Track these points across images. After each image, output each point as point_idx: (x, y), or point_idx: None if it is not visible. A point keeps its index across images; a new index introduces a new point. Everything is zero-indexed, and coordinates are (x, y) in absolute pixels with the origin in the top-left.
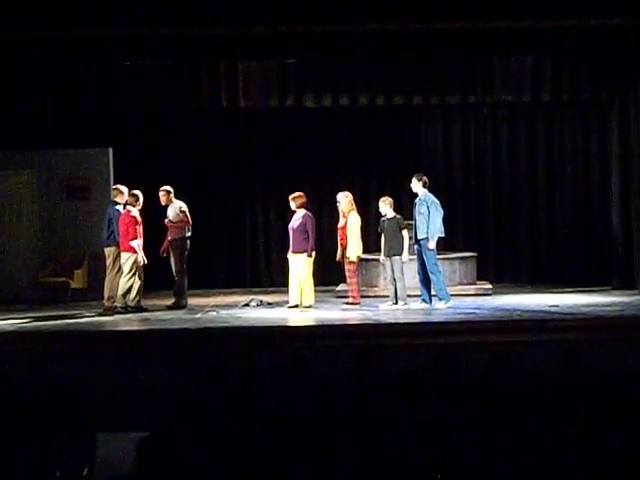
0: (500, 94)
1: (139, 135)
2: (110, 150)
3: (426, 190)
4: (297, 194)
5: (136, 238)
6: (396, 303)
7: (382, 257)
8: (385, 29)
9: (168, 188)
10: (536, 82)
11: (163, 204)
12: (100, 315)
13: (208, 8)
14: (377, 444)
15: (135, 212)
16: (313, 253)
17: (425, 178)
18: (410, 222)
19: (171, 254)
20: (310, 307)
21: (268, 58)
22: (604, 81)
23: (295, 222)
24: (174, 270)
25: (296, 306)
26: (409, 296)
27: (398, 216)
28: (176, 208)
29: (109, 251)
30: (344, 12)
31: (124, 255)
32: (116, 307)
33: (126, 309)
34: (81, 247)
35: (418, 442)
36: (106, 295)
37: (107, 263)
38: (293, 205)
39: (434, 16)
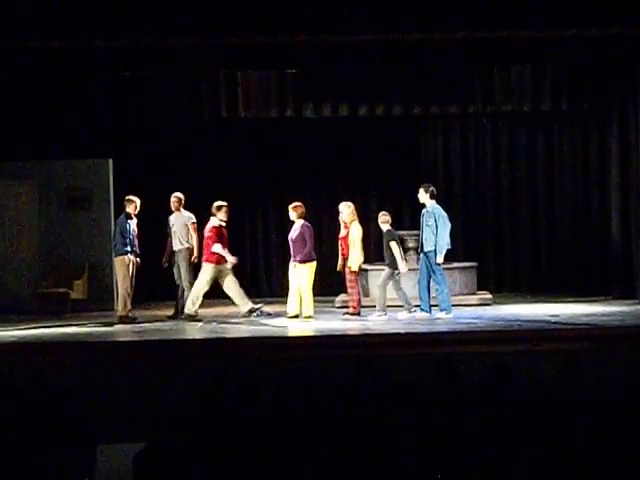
0: (499, 104)
1: (139, 146)
2: (110, 161)
3: (434, 201)
4: (297, 204)
5: (215, 245)
6: (385, 314)
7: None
8: (384, 39)
9: (180, 195)
10: (536, 91)
11: (173, 210)
12: (117, 324)
13: (207, 19)
14: (376, 454)
15: (215, 222)
16: (314, 262)
17: (432, 188)
18: (415, 232)
19: (176, 265)
20: (310, 317)
21: (268, 68)
22: (603, 90)
23: (294, 232)
24: (183, 282)
25: (296, 316)
26: (401, 306)
27: (390, 230)
28: (185, 219)
29: (116, 261)
30: (344, 22)
31: (204, 265)
32: (128, 316)
33: (194, 318)
34: (81, 258)
35: (417, 452)
36: (121, 305)
37: (117, 273)
38: (294, 215)
39: (433, 26)
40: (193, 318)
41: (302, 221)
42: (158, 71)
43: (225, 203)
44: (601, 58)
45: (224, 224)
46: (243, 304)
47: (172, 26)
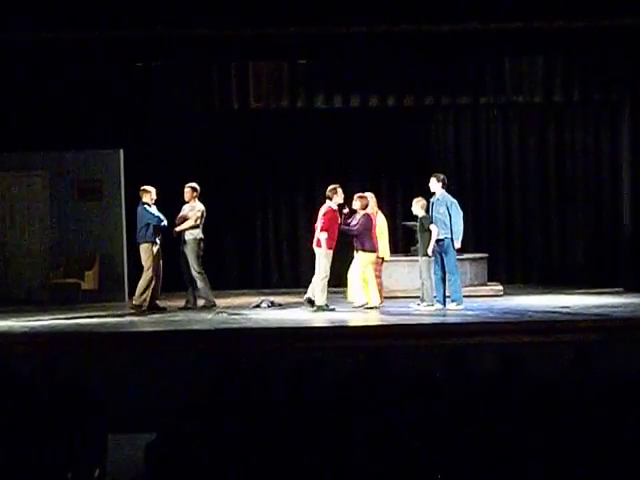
0: (511, 95)
1: (150, 136)
2: (121, 151)
3: (444, 190)
4: (362, 195)
5: (326, 231)
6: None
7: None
8: (396, 30)
9: (195, 185)
10: (547, 83)
11: (187, 200)
12: (131, 314)
13: (219, 9)
14: (387, 445)
15: (330, 205)
16: (375, 253)
17: (444, 178)
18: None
19: (182, 254)
20: (375, 307)
21: (279, 59)
22: (615, 82)
23: (356, 223)
24: (192, 272)
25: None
26: (413, 297)
27: (426, 216)
28: (194, 208)
29: (142, 248)
30: (355, 13)
31: (316, 251)
32: (142, 305)
33: (323, 307)
34: (92, 248)
35: (428, 442)
36: (137, 293)
37: (142, 261)
38: (357, 206)
39: (445, 17)
40: (325, 309)
41: (364, 212)
42: (169, 62)
43: (337, 185)
44: (613, 49)
45: (336, 207)
46: (320, 297)
47: (184, 16)
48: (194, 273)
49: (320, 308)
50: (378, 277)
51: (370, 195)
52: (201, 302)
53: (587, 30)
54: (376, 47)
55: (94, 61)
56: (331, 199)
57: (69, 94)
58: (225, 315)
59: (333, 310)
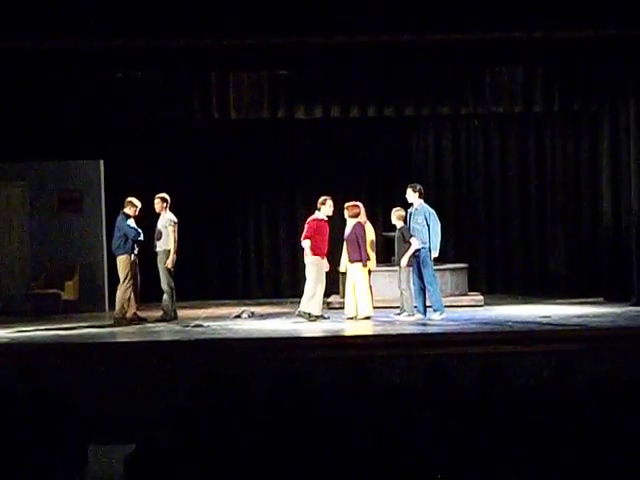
0: (491, 105)
1: (130, 146)
2: (101, 162)
3: (422, 200)
4: (352, 204)
5: (308, 239)
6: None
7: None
8: (376, 40)
9: (164, 196)
10: (527, 93)
11: (157, 211)
12: (112, 326)
13: (199, 19)
14: (368, 455)
15: (317, 215)
16: (368, 262)
17: (420, 188)
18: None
19: (158, 267)
20: (369, 318)
21: (259, 70)
22: (595, 92)
23: (347, 232)
24: (161, 283)
25: (353, 317)
26: (393, 307)
27: (405, 226)
28: (166, 220)
29: (119, 260)
30: (335, 24)
31: (305, 259)
32: (125, 318)
33: (309, 315)
34: (72, 259)
35: (408, 453)
36: (118, 306)
37: (119, 273)
38: (347, 214)
39: (425, 27)
40: (308, 317)
41: (355, 220)
42: (150, 72)
43: (329, 197)
44: (593, 59)
45: (326, 218)
46: (306, 304)
47: (164, 27)
48: (163, 286)
49: (302, 314)
50: (370, 288)
51: (359, 204)
52: (159, 313)
53: (567, 41)
54: (356, 58)
55: (74, 71)
56: (319, 210)
57: (49, 104)
58: (205, 326)
59: (314, 320)
